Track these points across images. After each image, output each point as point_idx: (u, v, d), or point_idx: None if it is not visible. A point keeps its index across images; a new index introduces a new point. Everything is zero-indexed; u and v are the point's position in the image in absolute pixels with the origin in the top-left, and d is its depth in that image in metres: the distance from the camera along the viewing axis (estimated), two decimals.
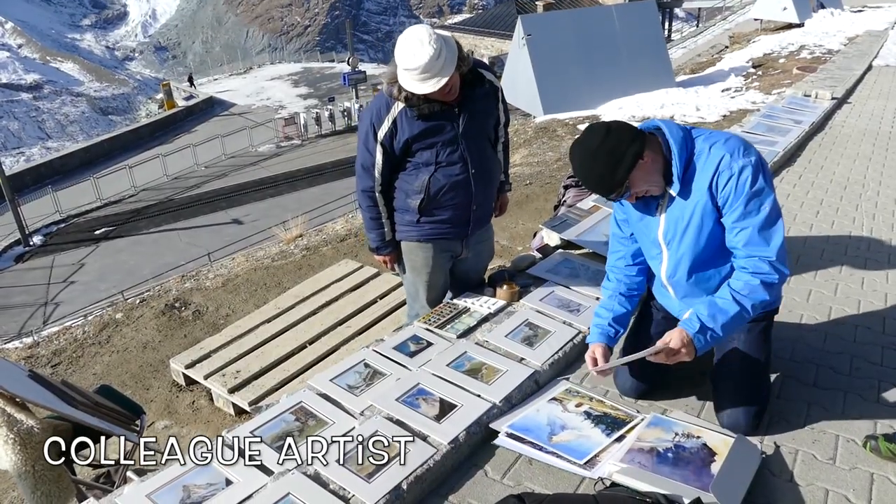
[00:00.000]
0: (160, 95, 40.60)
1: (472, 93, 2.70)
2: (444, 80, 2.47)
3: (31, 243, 18.88)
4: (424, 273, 3.01)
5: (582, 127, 11.16)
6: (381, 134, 2.67)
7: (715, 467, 2.00)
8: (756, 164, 2.05)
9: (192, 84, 39.71)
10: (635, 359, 2.15)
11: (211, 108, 34.51)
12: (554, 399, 2.43)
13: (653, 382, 2.44)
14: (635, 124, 2.18)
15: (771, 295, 2.06)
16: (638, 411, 2.33)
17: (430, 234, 2.89)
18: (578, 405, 2.37)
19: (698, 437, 2.15)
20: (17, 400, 2.30)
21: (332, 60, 48.83)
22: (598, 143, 2.04)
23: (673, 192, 2.13)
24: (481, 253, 3.17)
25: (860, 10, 18.63)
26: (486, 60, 34.20)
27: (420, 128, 2.66)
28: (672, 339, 2.05)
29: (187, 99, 36.53)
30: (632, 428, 2.22)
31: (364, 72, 34.23)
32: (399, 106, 2.62)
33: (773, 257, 2.04)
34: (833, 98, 7.32)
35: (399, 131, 2.66)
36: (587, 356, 2.37)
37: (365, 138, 2.73)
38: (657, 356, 2.07)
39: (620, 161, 2.03)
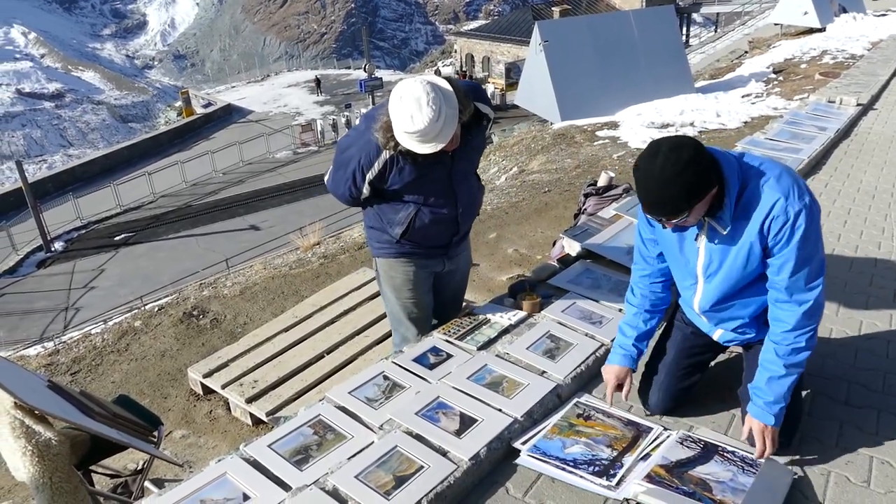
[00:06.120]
0: (179, 103, 41.07)
1: (469, 134, 2.57)
2: (444, 143, 2.35)
3: (53, 249, 19.16)
4: (406, 290, 2.87)
5: (601, 133, 11.09)
6: (369, 175, 2.53)
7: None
8: (810, 205, 1.94)
9: (318, 86, 38.10)
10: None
11: (229, 115, 34.85)
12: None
13: (678, 399, 2.38)
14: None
15: (809, 343, 2.07)
16: (665, 428, 2.27)
17: (410, 252, 2.79)
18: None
19: None
20: (36, 411, 2.29)
21: (349, 67, 49.22)
22: (686, 162, 1.86)
23: (721, 228, 2.02)
24: (460, 265, 3.03)
25: (884, 14, 18.35)
26: (502, 67, 34.14)
27: (411, 174, 2.52)
28: (756, 439, 2.08)
29: (205, 106, 36.87)
30: (657, 446, 2.16)
31: (380, 78, 34.39)
32: (389, 153, 2.47)
33: (811, 304, 2.01)
34: (858, 104, 7.19)
35: (389, 176, 2.53)
36: (608, 378, 2.34)
37: (350, 173, 2.56)
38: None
39: (698, 188, 1.89)
